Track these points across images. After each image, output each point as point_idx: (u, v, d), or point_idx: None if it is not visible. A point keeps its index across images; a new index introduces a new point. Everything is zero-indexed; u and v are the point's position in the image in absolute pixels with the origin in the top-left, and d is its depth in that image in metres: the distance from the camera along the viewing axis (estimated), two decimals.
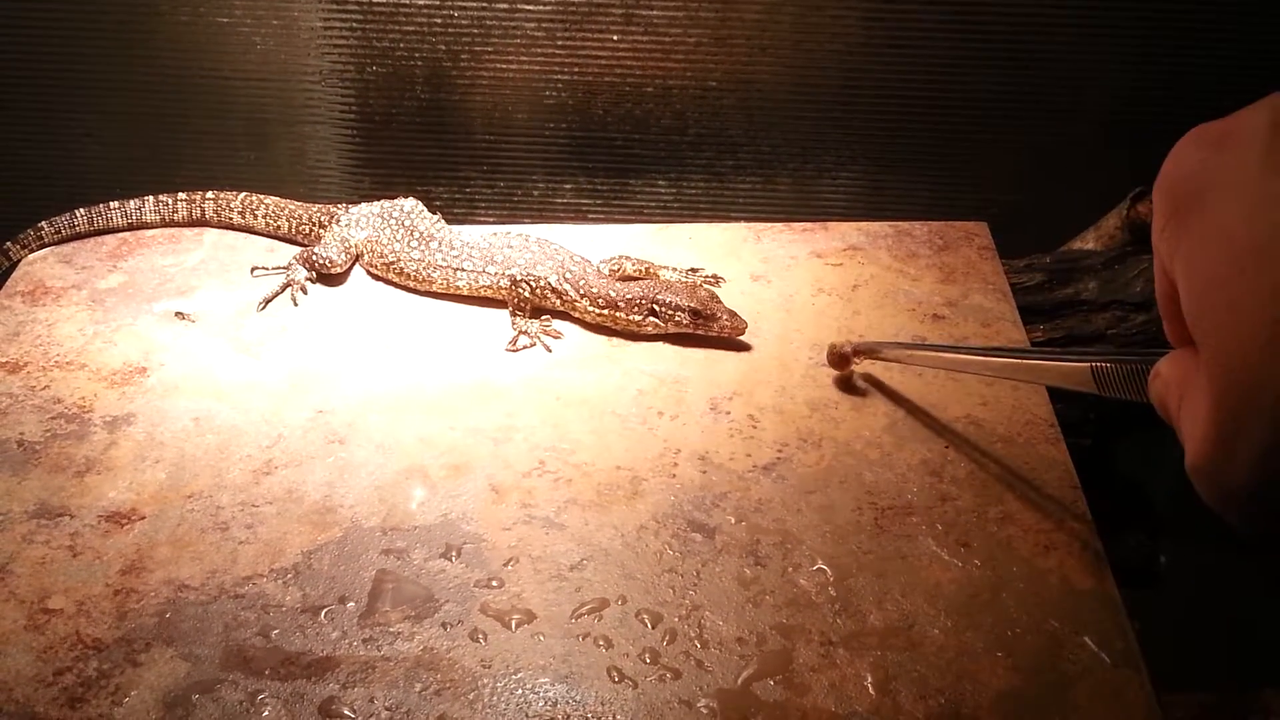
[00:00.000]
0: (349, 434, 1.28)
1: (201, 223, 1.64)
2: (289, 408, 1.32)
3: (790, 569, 1.11)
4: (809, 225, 1.64)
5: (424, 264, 1.48)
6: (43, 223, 1.58)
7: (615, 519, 1.17)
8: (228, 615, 1.07)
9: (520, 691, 0.99)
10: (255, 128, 1.83)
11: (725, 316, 1.37)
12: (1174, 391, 0.50)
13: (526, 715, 0.97)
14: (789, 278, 1.53)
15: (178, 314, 1.46)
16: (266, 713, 0.98)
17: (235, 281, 1.53)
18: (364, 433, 1.28)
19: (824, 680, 1.00)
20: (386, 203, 1.57)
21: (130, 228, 1.62)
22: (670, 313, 1.38)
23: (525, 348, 1.41)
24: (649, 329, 1.40)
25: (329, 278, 1.52)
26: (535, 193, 1.87)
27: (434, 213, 1.56)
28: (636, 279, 1.46)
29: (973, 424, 1.28)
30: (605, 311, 1.41)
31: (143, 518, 1.17)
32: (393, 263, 1.50)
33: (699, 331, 1.38)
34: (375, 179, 1.85)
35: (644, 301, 1.39)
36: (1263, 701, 1.20)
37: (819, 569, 1.11)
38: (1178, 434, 0.50)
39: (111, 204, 1.61)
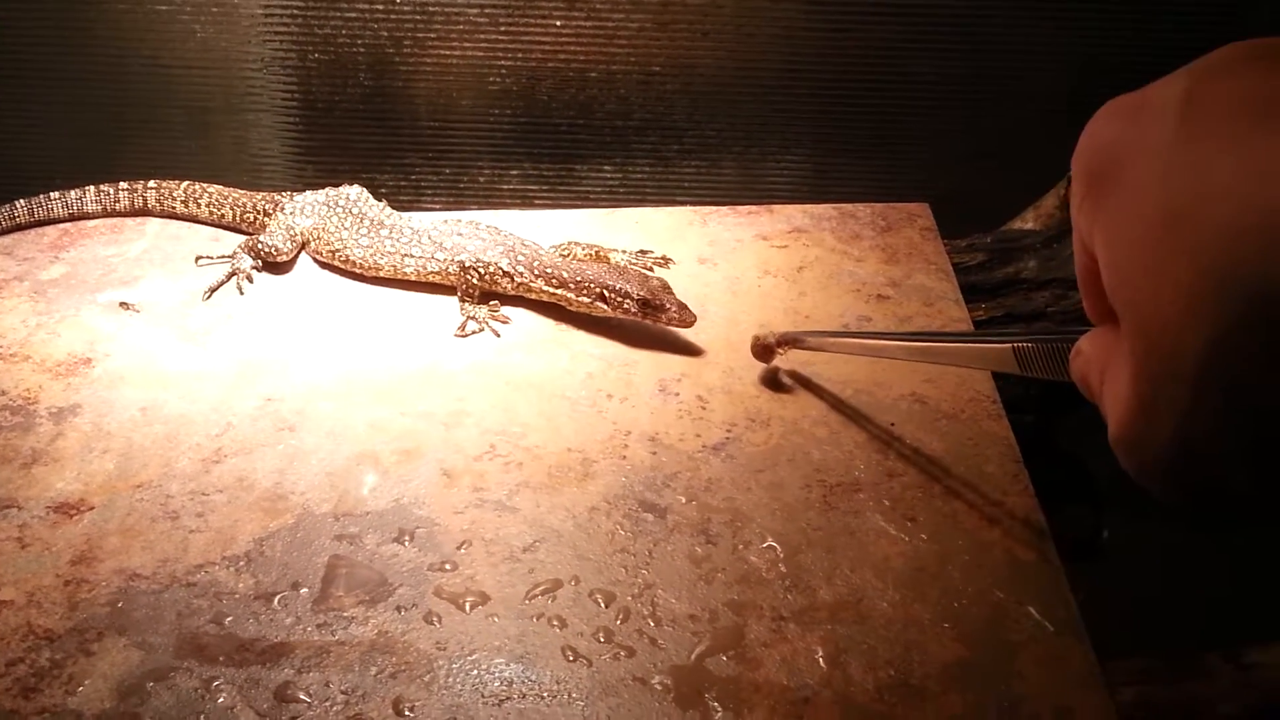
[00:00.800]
0: (299, 421, 1.28)
1: (144, 212, 1.62)
2: (237, 396, 1.32)
3: (741, 546, 1.12)
4: (754, 208, 1.65)
5: (371, 250, 1.48)
6: None
7: (567, 501, 1.18)
8: (180, 603, 1.06)
9: (476, 672, 1.00)
10: (197, 116, 1.81)
11: (674, 309, 1.37)
12: (1095, 368, 0.50)
13: (482, 695, 0.98)
14: (735, 260, 1.54)
15: (122, 304, 1.45)
16: (222, 699, 0.98)
17: (180, 271, 1.52)
18: (314, 420, 1.28)
19: (776, 655, 1.01)
20: (331, 190, 1.56)
21: (72, 218, 1.61)
22: (619, 299, 1.38)
23: (474, 333, 1.42)
24: (597, 313, 1.41)
25: (275, 266, 1.52)
26: (481, 179, 1.87)
27: (379, 200, 1.56)
28: (586, 263, 1.47)
29: (918, 401, 1.30)
30: (559, 291, 1.42)
31: (92, 508, 1.17)
32: (338, 250, 1.50)
33: (647, 321, 1.38)
34: (319, 167, 1.85)
35: (594, 285, 1.39)
36: (1205, 664, 1.24)
37: (769, 546, 1.12)
38: (1101, 410, 0.50)
39: (52, 194, 1.59)
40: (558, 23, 1.73)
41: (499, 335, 1.42)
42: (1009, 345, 0.85)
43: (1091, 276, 0.49)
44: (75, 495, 1.18)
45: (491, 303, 1.45)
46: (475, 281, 1.43)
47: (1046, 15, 1.73)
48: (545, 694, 0.98)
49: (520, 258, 1.44)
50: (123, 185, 1.61)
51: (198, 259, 1.53)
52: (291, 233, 1.52)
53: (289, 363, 1.37)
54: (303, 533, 1.14)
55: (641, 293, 1.37)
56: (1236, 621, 1.35)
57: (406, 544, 1.13)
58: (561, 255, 1.49)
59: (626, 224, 1.62)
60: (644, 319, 1.38)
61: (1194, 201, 0.41)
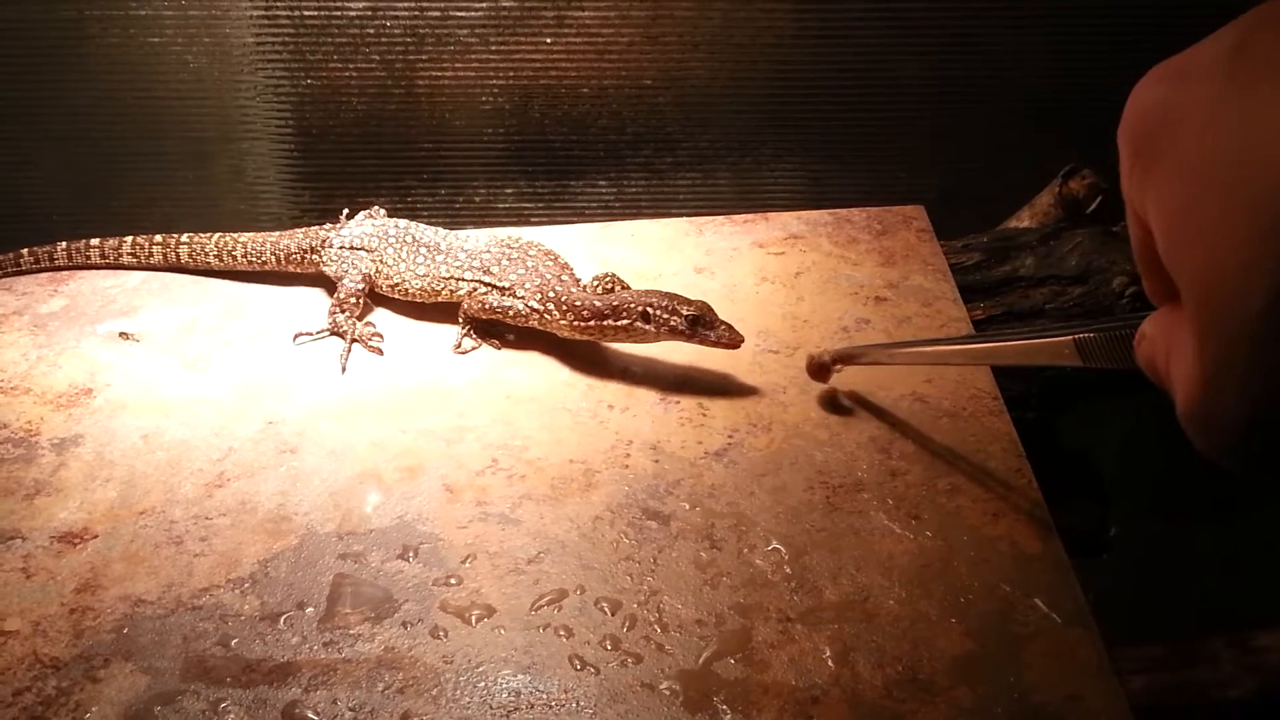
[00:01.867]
0: (300, 443, 1.28)
1: (178, 268, 1.58)
2: (238, 420, 1.32)
3: (746, 550, 1.12)
4: (750, 216, 1.65)
5: (428, 279, 1.45)
6: (24, 250, 1.58)
7: (570, 511, 1.18)
8: (186, 627, 1.06)
9: (483, 684, 1.00)
10: (192, 146, 1.82)
11: (724, 328, 1.31)
12: (1160, 349, 0.48)
13: (490, 707, 0.98)
14: (732, 269, 1.54)
15: (122, 334, 1.46)
16: None
17: (178, 299, 1.53)
18: (315, 440, 1.28)
19: (783, 656, 1.01)
20: (375, 220, 1.54)
21: (109, 267, 1.59)
22: (666, 316, 1.31)
23: (472, 349, 1.42)
24: (636, 337, 1.35)
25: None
26: (477, 199, 1.88)
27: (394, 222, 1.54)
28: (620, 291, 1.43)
29: (918, 400, 1.30)
30: (592, 323, 1.35)
31: (95, 536, 1.17)
32: (398, 283, 1.46)
33: (693, 341, 1.32)
34: (315, 192, 1.85)
35: (635, 306, 1.33)
36: (1211, 651, 1.23)
37: (774, 549, 1.12)
38: (1169, 392, 0.48)
39: (92, 241, 1.58)
40: (548, 40, 1.74)
41: (499, 348, 1.42)
42: (1070, 338, 0.82)
43: (1148, 252, 0.47)
44: (79, 524, 1.18)
45: (508, 336, 1.43)
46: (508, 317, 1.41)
47: (1035, 15, 1.74)
48: (553, 703, 0.98)
49: (551, 293, 1.39)
50: (157, 239, 1.57)
51: (296, 337, 1.45)
52: (358, 268, 1.48)
53: (289, 385, 1.37)
54: (307, 553, 1.14)
55: (690, 310, 1.31)
56: (1243, 609, 1.34)
57: (411, 560, 1.13)
58: (604, 288, 1.44)
59: (622, 237, 1.62)
60: (691, 338, 1.31)
61: (1248, 155, 0.40)
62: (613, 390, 1.34)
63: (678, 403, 1.32)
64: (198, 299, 1.52)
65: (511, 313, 1.40)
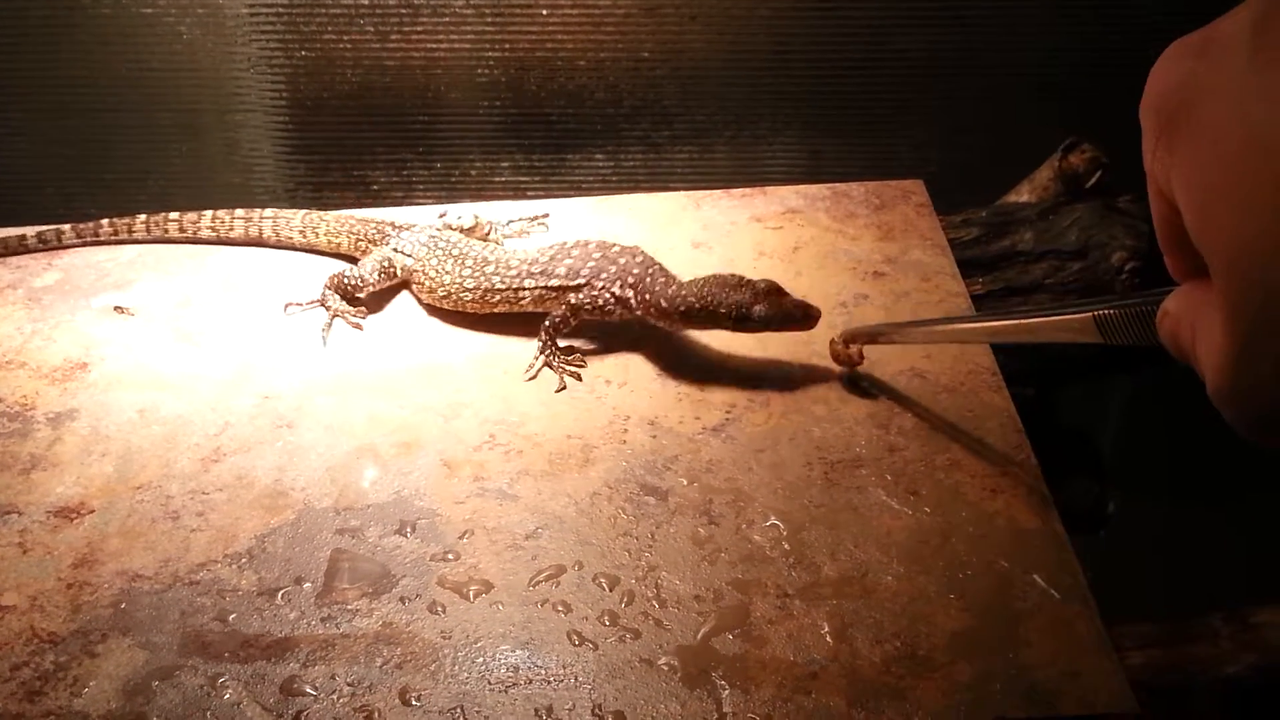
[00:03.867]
0: (297, 417, 1.28)
1: (259, 242, 1.56)
2: (234, 395, 1.31)
3: (744, 526, 1.12)
4: (747, 191, 1.65)
5: (480, 291, 1.38)
6: (104, 220, 1.56)
7: (568, 487, 1.17)
8: (183, 602, 1.06)
9: (481, 660, 1.00)
10: (186, 119, 1.81)
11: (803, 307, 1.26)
12: (1185, 325, 0.48)
13: (489, 683, 0.98)
14: (730, 243, 1.54)
15: (117, 308, 1.45)
16: (228, 695, 0.97)
17: (173, 273, 1.52)
18: (312, 415, 1.28)
19: (782, 631, 1.01)
20: (435, 230, 1.48)
21: (186, 241, 1.57)
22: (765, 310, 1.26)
23: (560, 381, 1.33)
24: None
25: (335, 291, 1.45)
26: (473, 172, 1.87)
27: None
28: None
29: (916, 376, 1.29)
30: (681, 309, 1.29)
31: (92, 511, 1.16)
32: (451, 294, 1.40)
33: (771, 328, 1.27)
34: (310, 165, 1.84)
35: (730, 296, 1.27)
36: (1210, 627, 1.23)
37: (772, 524, 1.12)
38: (1196, 368, 0.47)
39: (171, 215, 1.56)
40: (544, 11, 1.73)
41: (580, 380, 1.32)
42: (1090, 314, 0.81)
43: (1172, 229, 0.47)
44: (75, 499, 1.18)
45: (574, 355, 1.35)
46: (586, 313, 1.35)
47: None
48: (551, 678, 0.98)
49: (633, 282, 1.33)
50: (238, 213, 1.55)
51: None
52: (385, 266, 1.45)
53: (285, 360, 1.36)
54: (304, 528, 1.14)
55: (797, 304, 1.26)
56: (1240, 585, 1.35)
57: (409, 535, 1.13)
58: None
59: (620, 211, 1.62)
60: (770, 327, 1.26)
61: (1276, 128, 0.40)
62: (610, 366, 1.34)
63: (675, 378, 1.31)
64: (193, 272, 1.51)
65: (604, 307, 1.34)
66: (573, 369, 1.33)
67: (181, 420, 1.28)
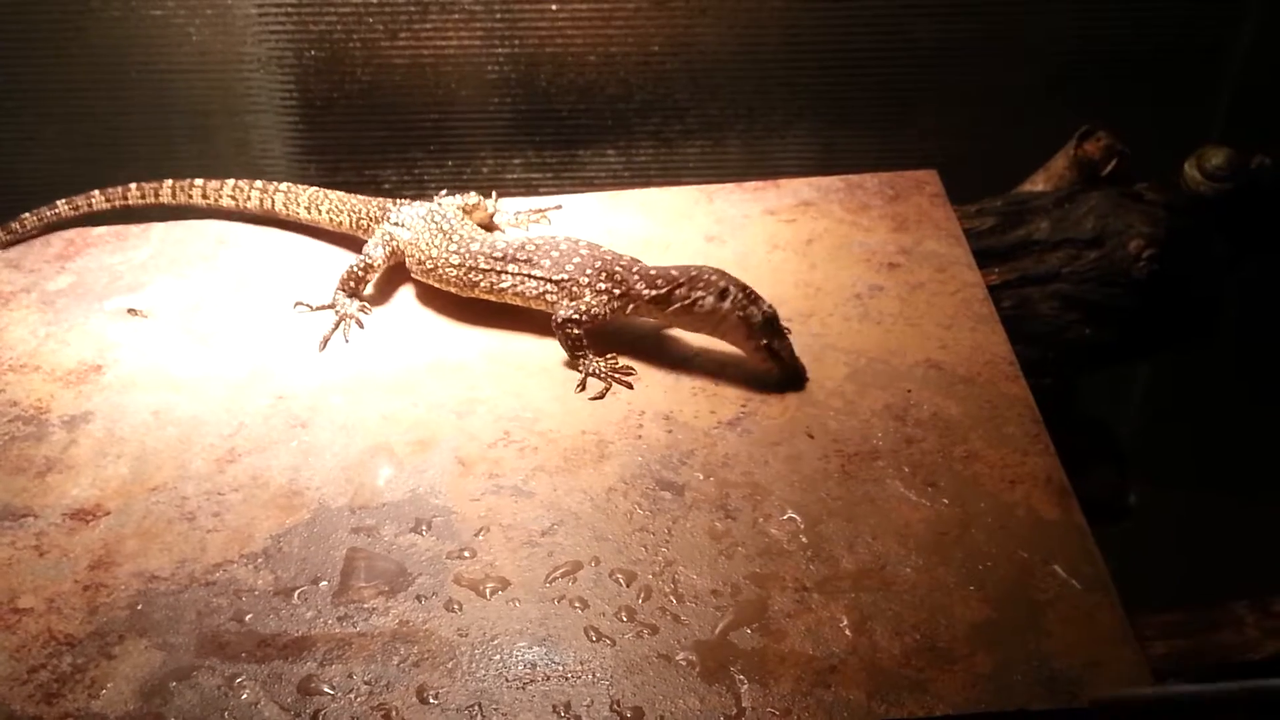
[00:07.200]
0: (311, 417, 1.27)
1: (270, 215, 1.60)
2: (248, 396, 1.31)
3: (761, 519, 1.11)
4: (760, 184, 1.64)
5: (464, 269, 1.39)
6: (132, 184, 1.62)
7: (584, 483, 1.17)
8: (200, 603, 1.06)
9: (498, 657, 0.99)
10: (197, 120, 1.81)
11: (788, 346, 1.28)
12: None
13: (506, 680, 0.97)
14: (743, 236, 1.53)
15: (130, 310, 1.45)
16: (245, 695, 0.97)
17: (186, 274, 1.52)
18: (326, 415, 1.28)
19: (800, 625, 1.00)
20: (433, 205, 1.49)
21: (209, 209, 1.62)
22: (744, 303, 1.27)
23: (602, 393, 1.30)
24: (703, 315, 1.29)
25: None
26: (484, 169, 1.86)
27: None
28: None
29: (933, 367, 1.28)
30: (665, 290, 1.30)
31: (108, 513, 1.16)
32: (432, 269, 1.41)
33: (752, 343, 1.27)
34: (321, 165, 1.84)
35: (715, 280, 1.28)
36: (1235, 614, 1.22)
37: (789, 518, 1.11)
38: None
39: (196, 181, 1.61)
40: (553, 6, 1.72)
41: (631, 387, 1.30)
42: None
43: None
44: (91, 501, 1.18)
45: (609, 355, 1.33)
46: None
47: None
48: (569, 675, 0.97)
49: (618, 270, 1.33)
50: (257, 184, 1.60)
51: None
52: (386, 240, 1.46)
53: (299, 360, 1.36)
54: (320, 527, 1.14)
55: (768, 309, 1.27)
56: (1265, 573, 1.33)
57: (424, 533, 1.12)
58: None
59: (631, 206, 1.61)
60: (752, 339, 1.27)
61: None
62: (624, 362, 1.33)
63: (689, 373, 1.31)
64: (205, 274, 1.51)
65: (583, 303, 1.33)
66: (625, 379, 1.31)
67: (196, 421, 1.28)
